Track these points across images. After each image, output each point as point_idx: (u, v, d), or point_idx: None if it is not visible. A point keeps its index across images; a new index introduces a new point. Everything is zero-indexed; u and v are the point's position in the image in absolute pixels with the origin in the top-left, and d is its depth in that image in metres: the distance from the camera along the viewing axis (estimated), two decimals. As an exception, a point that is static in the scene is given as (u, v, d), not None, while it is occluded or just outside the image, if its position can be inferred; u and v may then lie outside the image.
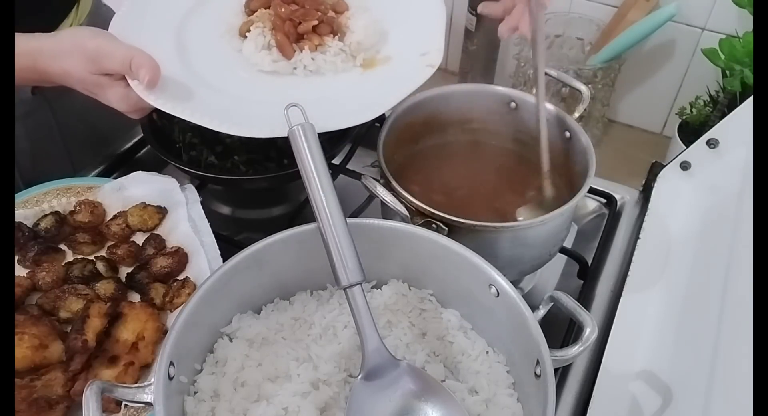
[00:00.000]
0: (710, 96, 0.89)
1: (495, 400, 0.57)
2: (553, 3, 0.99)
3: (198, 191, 0.79)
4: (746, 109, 0.70)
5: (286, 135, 0.60)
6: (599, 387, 0.63)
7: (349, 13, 0.80)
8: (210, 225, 0.75)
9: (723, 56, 0.82)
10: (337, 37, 0.76)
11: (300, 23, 0.75)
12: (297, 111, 0.61)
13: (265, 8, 0.77)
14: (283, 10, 0.75)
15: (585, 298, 0.76)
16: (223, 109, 0.68)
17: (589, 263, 0.80)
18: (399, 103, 0.75)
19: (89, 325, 0.62)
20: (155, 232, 0.75)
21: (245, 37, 0.75)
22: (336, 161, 0.89)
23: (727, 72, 0.82)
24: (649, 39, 0.93)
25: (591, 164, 0.68)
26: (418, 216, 0.65)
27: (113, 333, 0.63)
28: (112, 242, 0.75)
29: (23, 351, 0.59)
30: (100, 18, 0.88)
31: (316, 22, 0.74)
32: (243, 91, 0.72)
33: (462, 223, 0.63)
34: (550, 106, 0.75)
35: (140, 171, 0.80)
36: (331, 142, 0.84)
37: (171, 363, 0.51)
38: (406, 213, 0.65)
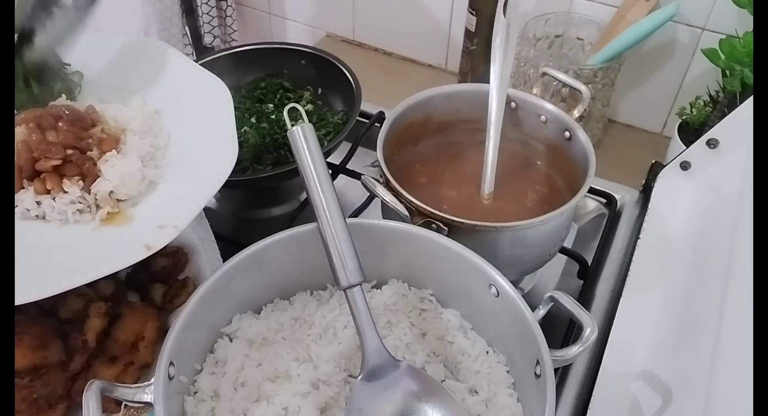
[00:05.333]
0: (710, 96, 0.89)
1: (495, 400, 0.57)
2: (553, 3, 0.99)
3: (198, 191, 0.79)
4: (746, 109, 0.70)
5: None
6: (599, 387, 0.63)
7: (118, 151, 0.64)
8: (210, 225, 0.75)
9: (723, 56, 0.82)
10: (80, 181, 0.62)
11: (39, 159, 0.61)
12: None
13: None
14: (34, 137, 0.61)
15: (585, 298, 0.76)
16: None
17: (589, 263, 0.80)
18: (399, 103, 0.75)
19: (89, 325, 0.62)
20: (155, 232, 0.75)
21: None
22: (336, 161, 0.89)
23: (727, 72, 0.82)
24: (649, 39, 0.93)
25: (591, 164, 0.68)
26: (418, 216, 0.65)
27: (113, 333, 0.63)
28: (112, 242, 0.74)
29: (23, 351, 0.59)
30: None
31: (58, 162, 0.61)
32: None
33: (462, 223, 0.63)
34: (550, 106, 0.75)
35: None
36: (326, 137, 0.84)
37: (171, 363, 0.51)
38: (406, 213, 0.65)
